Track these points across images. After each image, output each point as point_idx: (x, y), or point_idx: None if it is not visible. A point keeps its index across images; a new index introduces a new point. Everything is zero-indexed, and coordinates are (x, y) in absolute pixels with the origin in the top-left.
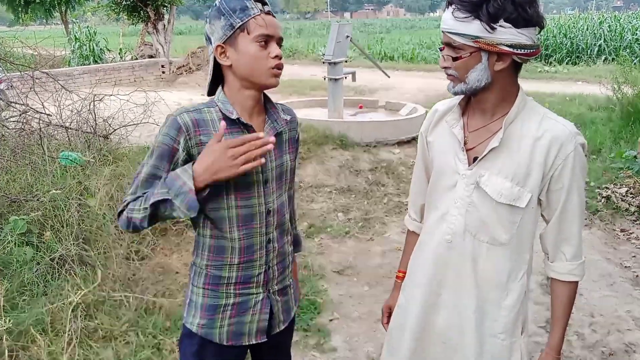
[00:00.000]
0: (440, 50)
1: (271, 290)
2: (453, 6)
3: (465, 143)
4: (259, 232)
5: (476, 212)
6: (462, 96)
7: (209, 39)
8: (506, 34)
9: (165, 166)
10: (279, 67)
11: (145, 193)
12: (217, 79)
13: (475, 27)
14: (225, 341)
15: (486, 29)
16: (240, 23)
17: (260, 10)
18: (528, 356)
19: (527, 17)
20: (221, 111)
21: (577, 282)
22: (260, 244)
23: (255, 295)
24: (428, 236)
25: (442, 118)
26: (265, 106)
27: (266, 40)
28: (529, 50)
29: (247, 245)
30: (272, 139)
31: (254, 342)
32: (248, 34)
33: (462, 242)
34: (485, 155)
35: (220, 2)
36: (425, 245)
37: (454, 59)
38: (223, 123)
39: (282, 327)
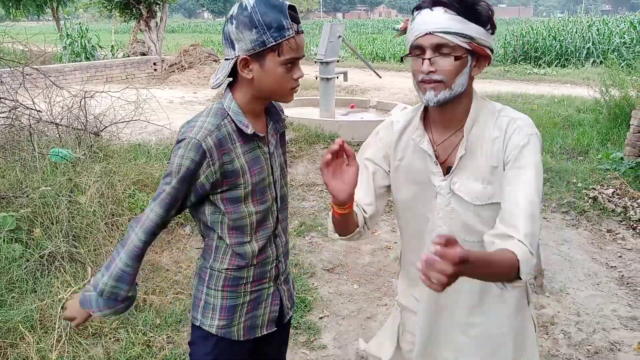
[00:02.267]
0: (417, 55)
1: (279, 282)
2: (442, 7)
3: (437, 156)
4: (271, 230)
5: (458, 217)
6: (421, 110)
7: (231, 43)
8: (489, 38)
9: (185, 188)
10: (298, 86)
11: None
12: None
13: (471, 28)
14: (242, 337)
15: (485, 31)
16: (274, 43)
17: (295, 32)
18: (536, 323)
19: (494, 24)
20: (234, 123)
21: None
22: (270, 241)
23: (267, 289)
24: (418, 252)
25: (403, 133)
26: (266, 107)
27: (292, 62)
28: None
29: (263, 245)
30: None
31: (266, 332)
32: (278, 55)
33: None
34: (457, 164)
35: (255, 10)
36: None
37: (454, 59)
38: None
39: (291, 314)
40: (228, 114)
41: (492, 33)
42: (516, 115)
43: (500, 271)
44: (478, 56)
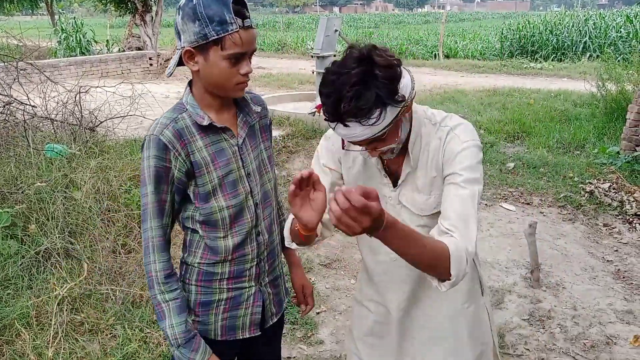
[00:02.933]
0: (363, 150)
1: (262, 283)
2: (354, 121)
3: (387, 167)
4: (249, 226)
5: (409, 225)
6: None
7: (178, 34)
8: (407, 90)
9: (165, 188)
10: (246, 81)
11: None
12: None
13: (389, 114)
14: (219, 336)
15: (397, 105)
16: (215, 37)
17: (239, 27)
18: (492, 314)
19: (396, 76)
20: (192, 116)
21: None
22: (250, 238)
23: (247, 289)
24: (373, 262)
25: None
26: (235, 99)
27: (238, 57)
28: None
29: (240, 241)
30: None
31: (248, 335)
32: (221, 49)
33: None
34: (404, 178)
35: (199, 2)
36: (375, 269)
37: (391, 138)
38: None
39: (275, 320)
40: (186, 108)
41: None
42: (455, 123)
43: (427, 256)
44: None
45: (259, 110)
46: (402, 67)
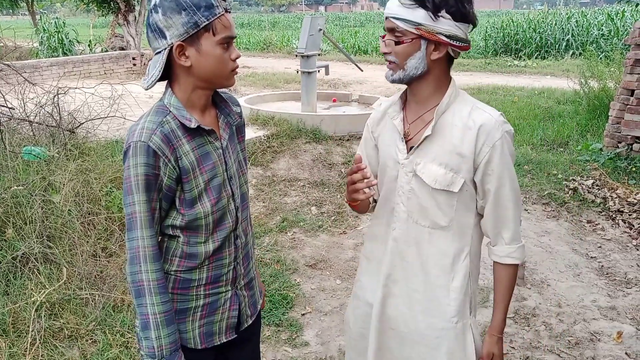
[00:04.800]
0: (382, 37)
1: (238, 287)
2: None
3: (407, 134)
4: (229, 229)
5: (416, 198)
6: (403, 89)
7: (160, 33)
8: (445, 25)
9: (155, 196)
10: (238, 67)
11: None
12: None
13: (419, 15)
14: (199, 345)
15: (430, 17)
16: (206, 22)
17: (224, 9)
18: (478, 336)
19: (465, 13)
20: (177, 118)
21: (516, 265)
22: (229, 242)
23: (224, 294)
24: (381, 228)
25: (385, 112)
26: (214, 99)
27: (228, 41)
28: (462, 44)
29: (219, 245)
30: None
31: (225, 340)
32: (214, 35)
33: (406, 229)
34: (420, 144)
35: None
36: (377, 239)
37: (396, 44)
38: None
39: (250, 322)
40: (170, 111)
41: (457, 20)
42: (490, 112)
43: (512, 287)
44: (436, 41)
45: (239, 111)
46: (466, 25)
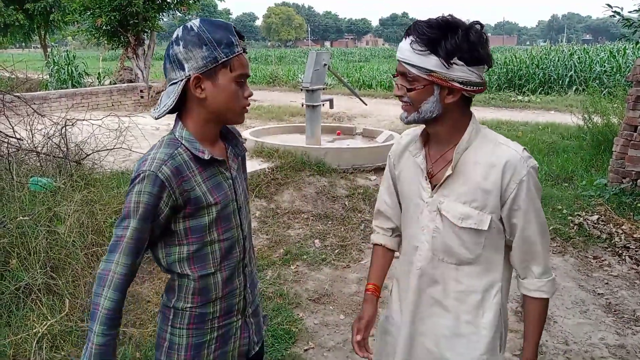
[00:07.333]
0: (394, 77)
1: (247, 314)
2: (411, 37)
3: (430, 172)
4: (238, 259)
5: (441, 237)
6: (423, 126)
7: (179, 64)
8: (459, 72)
9: (147, 227)
10: (249, 105)
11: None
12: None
13: (431, 62)
14: None
15: (443, 65)
16: (225, 59)
17: (243, 49)
18: None
19: (479, 57)
20: (189, 150)
21: (547, 299)
22: (238, 271)
23: (235, 323)
24: (406, 267)
25: (407, 148)
26: (220, 131)
27: (243, 79)
28: (476, 88)
29: (229, 276)
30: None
31: None
32: (231, 71)
33: (432, 268)
34: (442, 182)
35: (201, 28)
36: (402, 276)
37: (408, 90)
38: None
39: (257, 349)
40: (181, 143)
41: (471, 65)
42: (515, 148)
43: (543, 322)
44: (449, 87)
45: (245, 142)
46: (481, 67)
